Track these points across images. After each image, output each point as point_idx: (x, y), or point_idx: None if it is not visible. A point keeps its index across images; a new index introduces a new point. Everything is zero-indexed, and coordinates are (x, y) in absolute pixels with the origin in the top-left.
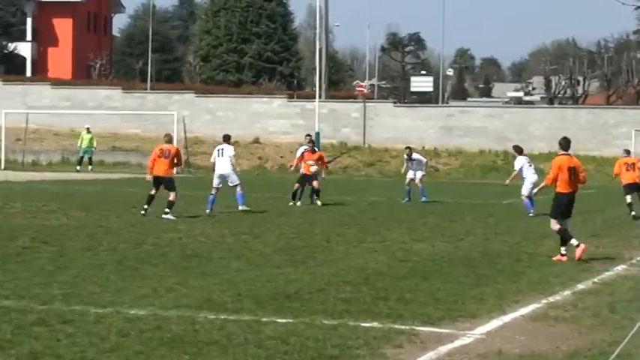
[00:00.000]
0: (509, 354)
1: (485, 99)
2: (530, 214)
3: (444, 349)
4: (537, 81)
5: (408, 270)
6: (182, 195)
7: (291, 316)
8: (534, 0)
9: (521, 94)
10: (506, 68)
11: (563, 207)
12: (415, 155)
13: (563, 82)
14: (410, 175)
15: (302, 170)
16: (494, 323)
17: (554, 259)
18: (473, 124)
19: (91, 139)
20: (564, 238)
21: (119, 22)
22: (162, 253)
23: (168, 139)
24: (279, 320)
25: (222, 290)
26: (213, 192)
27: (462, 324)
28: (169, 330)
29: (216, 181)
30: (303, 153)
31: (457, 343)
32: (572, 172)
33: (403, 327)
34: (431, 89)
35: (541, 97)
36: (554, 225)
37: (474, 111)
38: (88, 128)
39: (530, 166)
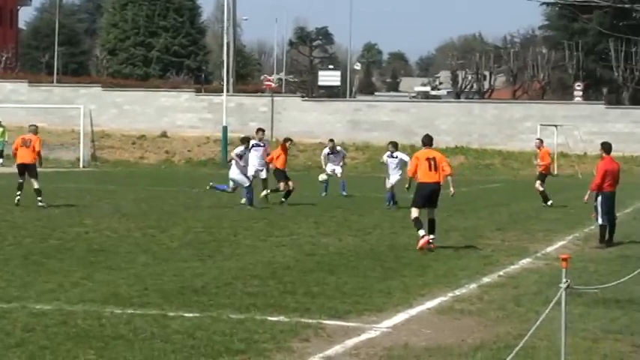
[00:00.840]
0: (416, 347)
1: (392, 93)
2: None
3: (350, 342)
4: (444, 75)
5: (315, 264)
6: (89, 189)
7: (198, 311)
8: None
9: (428, 88)
10: (413, 63)
11: (423, 196)
12: (338, 148)
13: (469, 77)
14: (329, 169)
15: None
16: (400, 316)
17: (421, 245)
18: (380, 118)
19: (2, 133)
20: (417, 226)
21: (25, 15)
22: (69, 248)
23: (33, 130)
24: (186, 314)
25: (128, 285)
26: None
27: (369, 317)
28: (75, 325)
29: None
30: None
31: (364, 337)
32: (432, 162)
33: (310, 321)
34: (338, 83)
35: (448, 92)
36: (413, 213)
37: (381, 105)
38: None
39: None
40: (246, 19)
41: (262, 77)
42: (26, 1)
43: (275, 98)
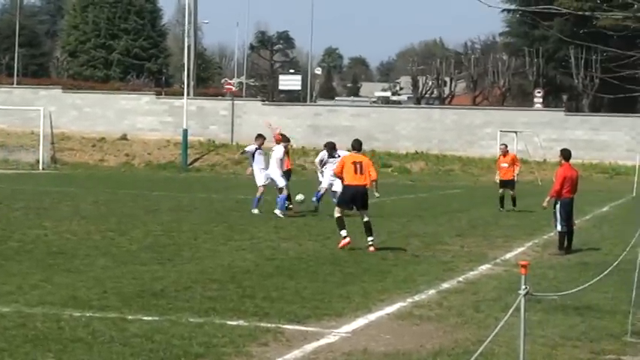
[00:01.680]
0: (375, 352)
1: (353, 98)
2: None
3: (309, 347)
4: (405, 81)
5: (274, 268)
6: (48, 191)
7: (157, 314)
8: (402, 0)
9: (388, 93)
10: (374, 68)
11: (347, 197)
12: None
13: (430, 83)
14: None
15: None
16: (359, 322)
17: (342, 245)
18: (340, 123)
19: None
20: (338, 223)
21: None
22: (28, 250)
23: None
24: (145, 318)
25: (87, 287)
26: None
27: (328, 322)
28: (34, 327)
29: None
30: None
31: (323, 342)
32: (358, 166)
33: (269, 325)
34: (299, 88)
35: (408, 97)
36: (336, 212)
37: (341, 110)
38: None
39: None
40: (207, 23)
41: (223, 81)
42: None
43: (235, 102)
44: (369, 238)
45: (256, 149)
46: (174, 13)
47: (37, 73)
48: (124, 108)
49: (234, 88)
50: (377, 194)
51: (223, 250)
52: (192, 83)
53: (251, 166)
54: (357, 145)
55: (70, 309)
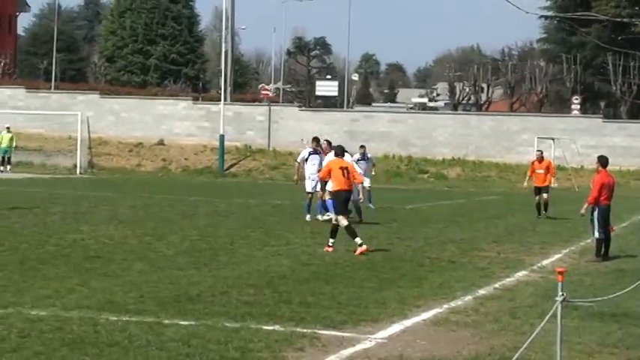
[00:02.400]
0: (411, 358)
1: (389, 104)
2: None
3: (345, 352)
4: (442, 87)
5: (310, 273)
6: (85, 195)
7: (193, 319)
8: (440, 7)
9: (425, 100)
10: (411, 74)
11: (343, 202)
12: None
13: (467, 89)
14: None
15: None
16: (395, 327)
17: (325, 249)
18: (377, 129)
19: (11, 139)
20: (349, 232)
21: (24, 21)
22: (65, 254)
23: None
24: (182, 322)
25: (124, 292)
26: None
27: (364, 328)
28: (71, 331)
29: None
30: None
31: (359, 347)
32: (345, 171)
33: (305, 330)
34: (336, 94)
35: (445, 104)
36: (342, 221)
37: (378, 116)
38: (8, 127)
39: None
40: (244, 29)
41: (260, 86)
42: (25, 8)
43: (272, 107)
44: (358, 239)
45: (310, 153)
46: (211, 18)
47: (74, 78)
48: (162, 113)
49: (271, 94)
50: (362, 198)
51: (259, 255)
52: (229, 89)
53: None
54: (340, 151)
55: (106, 313)
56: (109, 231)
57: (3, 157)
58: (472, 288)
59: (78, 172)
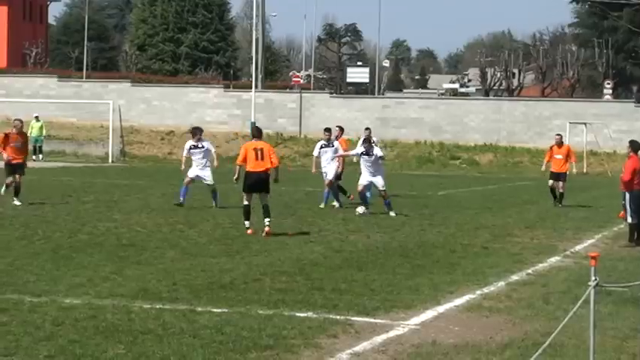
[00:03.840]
0: (444, 344)
1: (421, 90)
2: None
3: (378, 339)
4: (473, 73)
5: (343, 260)
6: (118, 184)
7: (227, 306)
8: None
9: (457, 85)
10: (442, 60)
11: (250, 183)
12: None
13: (498, 74)
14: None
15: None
16: (428, 314)
17: (248, 232)
18: (409, 115)
19: (40, 128)
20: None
21: (55, 11)
22: (98, 242)
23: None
24: (215, 310)
25: (157, 280)
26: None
27: (397, 314)
28: (104, 319)
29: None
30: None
31: (392, 334)
32: (259, 152)
33: (338, 317)
34: (367, 80)
35: (476, 89)
36: (245, 200)
37: (409, 102)
38: (37, 117)
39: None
40: (274, 16)
41: (291, 73)
42: None
43: (303, 94)
44: (266, 220)
45: (321, 147)
46: (241, 6)
47: (106, 66)
48: (193, 101)
49: (301, 81)
50: (276, 181)
51: (292, 242)
52: (260, 76)
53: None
54: (256, 133)
55: (140, 301)
56: (142, 219)
57: (34, 146)
58: (505, 274)
59: (110, 160)
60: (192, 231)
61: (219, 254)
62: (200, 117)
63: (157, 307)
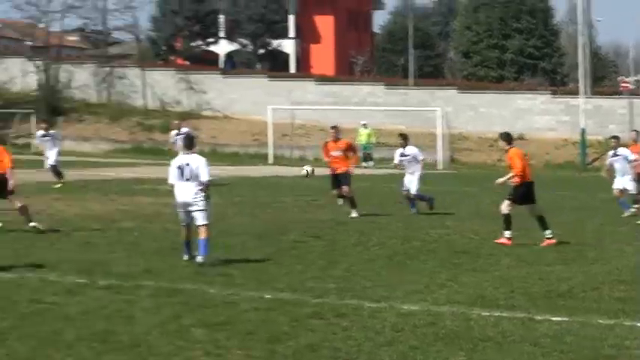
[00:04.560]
0: None
1: None
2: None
3: None
4: None
5: None
6: (448, 191)
7: (566, 315)
8: None
9: None
10: None
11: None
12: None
13: None
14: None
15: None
16: None
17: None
18: None
19: (368, 135)
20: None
21: (380, 19)
22: (431, 249)
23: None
24: (553, 318)
25: (494, 287)
26: None
27: None
28: (443, 326)
29: None
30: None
31: None
32: None
33: None
34: None
35: None
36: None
37: None
38: (364, 124)
39: None
40: (600, 21)
41: (619, 79)
42: (380, 5)
43: (634, 101)
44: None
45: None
46: (565, 11)
47: (431, 74)
48: (520, 108)
49: (630, 87)
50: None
51: (629, 250)
52: (587, 82)
53: None
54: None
55: (477, 308)
56: (474, 226)
57: (364, 154)
58: None
59: (439, 167)
60: (524, 237)
61: (554, 262)
62: (528, 123)
63: (495, 314)
